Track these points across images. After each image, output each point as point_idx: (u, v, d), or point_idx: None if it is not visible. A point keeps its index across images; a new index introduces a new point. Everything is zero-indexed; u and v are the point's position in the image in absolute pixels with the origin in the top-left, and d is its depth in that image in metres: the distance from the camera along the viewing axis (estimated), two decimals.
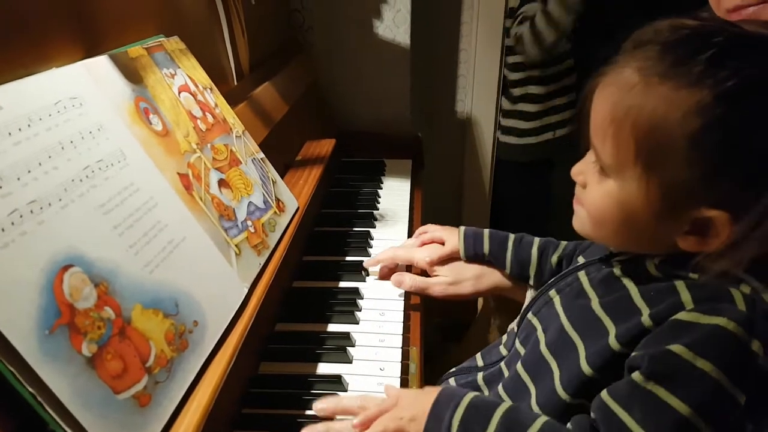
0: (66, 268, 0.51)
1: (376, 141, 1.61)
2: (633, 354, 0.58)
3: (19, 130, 0.53)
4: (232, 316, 0.68)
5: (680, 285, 0.58)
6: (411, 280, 0.96)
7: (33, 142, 0.54)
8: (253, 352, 0.82)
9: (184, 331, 0.60)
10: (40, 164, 0.54)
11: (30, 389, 0.45)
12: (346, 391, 0.79)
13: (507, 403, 0.63)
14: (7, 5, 0.59)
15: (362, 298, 0.98)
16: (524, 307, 0.81)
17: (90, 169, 0.59)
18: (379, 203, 1.34)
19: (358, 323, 0.92)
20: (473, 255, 0.94)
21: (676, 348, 0.54)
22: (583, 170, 0.64)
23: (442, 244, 0.98)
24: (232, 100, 1.00)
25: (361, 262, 1.07)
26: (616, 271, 0.66)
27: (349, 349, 0.86)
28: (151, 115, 0.72)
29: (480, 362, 0.85)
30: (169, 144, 0.72)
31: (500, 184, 2.00)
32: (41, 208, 0.52)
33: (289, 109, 1.25)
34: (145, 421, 0.52)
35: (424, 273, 0.99)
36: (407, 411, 0.66)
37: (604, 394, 0.57)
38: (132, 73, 0.73)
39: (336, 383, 0.79)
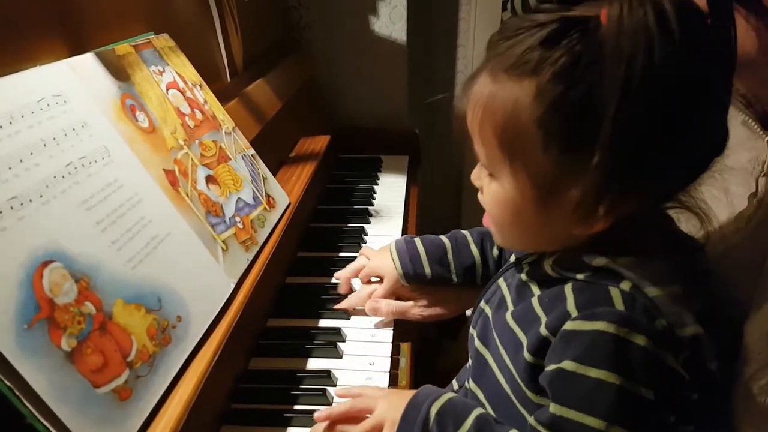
0: (46, 263, 0.52)
1: (372, 137, 1.61)
2: (543, 372, 0.58)
3: (1, 127, 0.54)
4: (217, 312, 0.69)
5: (568, 289, 0.58)
6: (387, 307, 0.90)
7: (14, 140, 0.55)
8: (243, 348, 0.82)
9: (167, 326, 0.61)
10: (21, 161, 0.54)
11: (7, 383, 0.45)
12: (335, 385, 0.79)
13: (480, 410, 0.63)
14: None
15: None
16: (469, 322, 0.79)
17: (73, 166, 0.59)
18: (374, 199, 1.34)
19: (349, 318, 0.93)
20: (414, 277, 0.89)
21: (566, 365, 0.54)
22: (478, 175, 0.64)
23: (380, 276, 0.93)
24: (225, 97, 1.00)
25: (355, 258, 1.07)
26: (524, 275, 0.66)
27: (340, 344, 0.86)
28: (137, 112, 0.72)
29: (455, 386, 0.83)
30: (155, 140, 0.72)
31: None
32: (21, 204, 0.52)
33: (283, 106, 1.25)
34: (125, 415, 0.52)
35: None
36: (384, 403, 0.67)
37: (532, 420, 0.57)
38: (118, 71, 0.73)
39: (325, 378, 0.80)
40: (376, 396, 0.69)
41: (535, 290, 0.64)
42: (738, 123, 0.76)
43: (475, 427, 0.60)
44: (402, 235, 1.19)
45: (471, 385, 0.72)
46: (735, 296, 0.63)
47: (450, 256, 0.89)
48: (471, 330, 0.75)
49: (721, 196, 0.77)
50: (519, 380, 0.61)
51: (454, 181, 1.99)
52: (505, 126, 0.55)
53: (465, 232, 0.91)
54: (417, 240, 0.91)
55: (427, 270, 0.88)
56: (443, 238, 0.91)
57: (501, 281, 0.71)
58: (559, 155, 0.54)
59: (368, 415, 0.68)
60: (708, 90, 0.51)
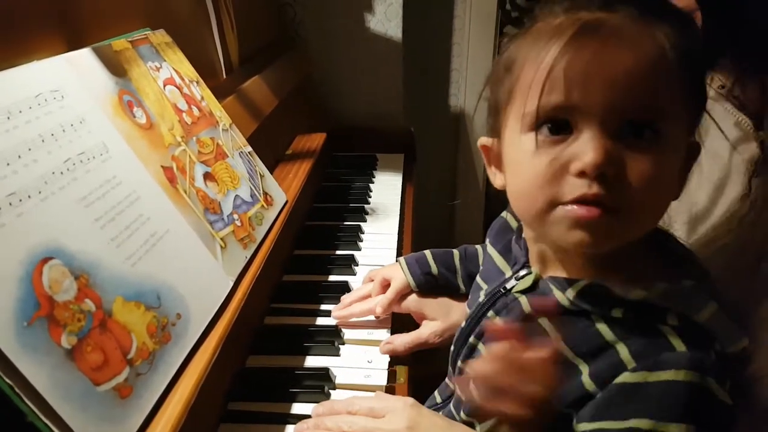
0: (46, 260, 0.51)
1: (368, 135, 1.61)
2: (589, 426, 0.53)
3: None
4: (216, 309, 0.68)
5: (606, 331, 0.53)
6: (402, 344, 0.85)
7: (12, 135, 0.54)
8: (241, 346, 0.82)
9: (167, 323, 0.60)
10: (19, 157, 0.53)
11: (8, 380, 0.45)
12: (333, 384, 0.79)
13: None
14: None
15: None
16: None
17: (71, 162, 0.59)
18: (370, 197, 1.34)
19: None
20: (423, 281, 0.86)
21: (640, 424, 0.49)
22: (614, 153, 0.50)
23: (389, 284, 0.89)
24: (221, 93, 0.99)
25: (352, 255, 1.07)
26: (526, 307, 0.60)
27: (338, 342, 0.86)
28: (134, 108, 0.71)
29: (438, 399, 0.81)
30: (152, 137, 0.72)
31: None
32: (20, 200, 0.51)
33: (279, 103, 1.25)
34: (125, 413, 0.52)
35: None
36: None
37: None
38: (116, 67, 0.72)
39: (323, 377, 0.79)
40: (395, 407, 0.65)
41: (549, 328, 0.57)
42: (731, 124, 0.76)
43: None
44: (398, 232, 1.19)
45: (463, 416, 0.68)
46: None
47: (457, 262, 0.87)
48: (458, 362, 0.69)
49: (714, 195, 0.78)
50: None
51: (450, 179, 1.99)
52: (684, 70, 0.52)
53: (477, 246, 0.88)
54: (425, 251, 0.89)
55: (434, 270, 0.86)
56: (453, 249, 0.89)
57: (492, 316, 0.65)
58: (695, 103, 0.55)
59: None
60: None
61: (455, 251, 0.89)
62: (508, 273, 0.66)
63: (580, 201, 0.51)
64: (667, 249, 0.59)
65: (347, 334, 0.88)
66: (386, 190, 1.38)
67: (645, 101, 0.50)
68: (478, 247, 0.88)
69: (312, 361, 0.83)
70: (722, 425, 0.51)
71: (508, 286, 0.64)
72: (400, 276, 0.88)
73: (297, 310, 0.93)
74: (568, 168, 0.51)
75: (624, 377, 0.51)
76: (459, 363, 0.69)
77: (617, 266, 0.55)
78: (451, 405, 0.73)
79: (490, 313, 0.65)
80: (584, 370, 0.54)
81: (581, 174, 0.50)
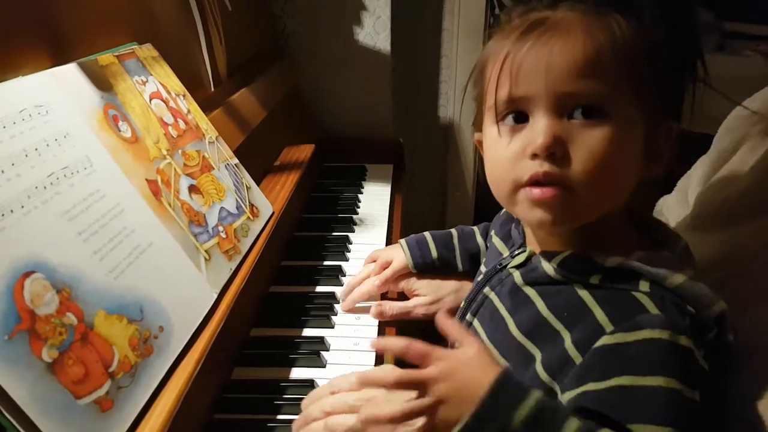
0: (28, 274, 0.51)
1: (357, 146, 1.62)
2: (572, 393, 0.53)
3: None
4: (199, 322, 0.69)
5: (587, 298, 0.57)
6: (390, 309, 0.92)
7: None
8: (226, 358, 0.82)
9: (149, 336, 0.61)
10: (2, 172, 0.54)
11: None
12: None
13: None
14: None
15: (339, 303, 0.98)
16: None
17: (55, 176, 0.59)
18: (359, 208, 1.34)
19: (333, 327, 0.93)
20: (422, 263, 0.91)
21: (621, 381, 0.51)
22: (560, 134, 0.55)
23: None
24: (209, 106, 1.00)
25: (339, 266, 1.07)
26: (517, 280, 0.64)
27: (323, 353, 0.86)
28: (120, 122, 0.72)
29: None
30: (138, 150, 0.72)
31: (484, 188, 2.01)
32: (2, 215, 0.52)
33: (267, 115, 1.26)
34: (106, 426, 0.52)
35: (402, 297, 0.96)
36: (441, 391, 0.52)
37: None
38: (101, 81, 0.73)
39: (309, 388, 0.80)
40: (436, 371, 0.52)
41: (535, 297, 0.61)
42: None
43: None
44: (386, 243, 1.20)
45: None
46: None
47: (455, 241, 0.91)
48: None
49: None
50: None
51: (438, 189, 2.00)
52: (626, 55, 0.55)
53: (472, 227, 0.92)
54: (425, 233, 0.93)
55: (434, 252, 0.90)
56: (450, 229, 0.93)
57: (488, 291, 0.69)
58: (661, 84, 0.56)
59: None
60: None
61: (453, 231, 0.93)
62: (506, 254, 0.71)
63: (535, 182, 0.56)
64: (655, 231, 0.63)
65: (333, 344, 0.89)
66: (375, 200, 1.39)
67: (585, 86, 0.55)
68: (473, 227, 0.92)
69: (298, 373, 0.83)
70: (699, 386, 0.53)
71: (504, 263, 0.69)
72: (400, 257, 0.92)
73: (284, 321, 0.94)
74: (526, 152, 0.57)
75: (603, 340, 0.54)
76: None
77: (601, 240, 0.59)
78: None
79: (487, 288, 0.70)
80: (566, 337, 0.57)
81: (534, 156, 0.56)
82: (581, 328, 0.56)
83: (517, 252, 0.69)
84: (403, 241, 0.93)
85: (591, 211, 0.58)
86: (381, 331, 0.92)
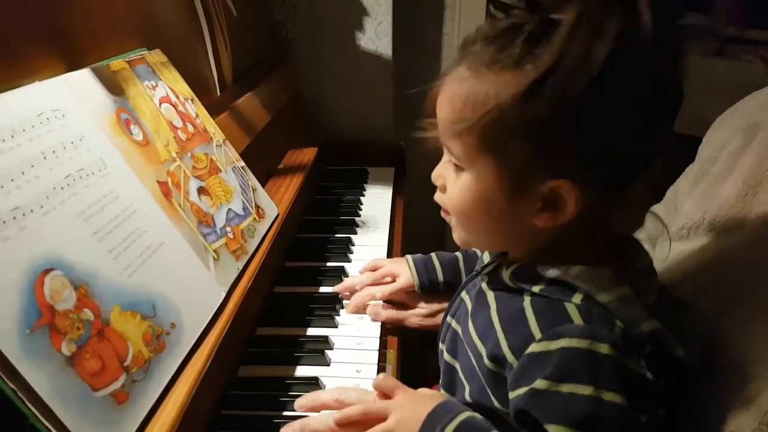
0: (47, 271, 0.54)
1: (359, 149, 1.64)
2: (511, 395, 0.59)
3: (3, 140, 0.56)
4: (209, 319, 0.71)
5: (527, 306, 0.61)
6: (387, 313, 0.96)
7: (16, 152, 0.57)
8: (232, 356, 0.84)
9: (161, 332, 0.63)
10: (23, 173, 0.56)
11: (11, 385, 0.47)
12: None
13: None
14: None
15: (342, 303, 1.00)
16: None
17: (71, 178, 0.61)
18: (361, 210, 1.36)
19: (336, 327, 0.95)
20: (428, 286, 0.94)
21: (538, 384, 0.56)
22: (441, 173, 0.66)
23: (394, 279, 0.97)
24: (215, 110, 1.03)
25: (342, 267, 1.10)
26: (483, 285, 0.69)
27: (327, 351, 0.88)
28: (132, 126, 0.74)
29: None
30: (149, 153, 0.75)
31: None
32: (23, 214, 0.54)
33: (271, 119, 1.28)
34: (122, 418, 0.54)
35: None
36: (398, 413, 0.66)
37: None
38: (113, 86, 0.75)
39: (313, 385, 0.82)
40: (390, 404, 0.68)
41: (491, 300, 0.65)
42: None
43: None
44: (388, 245, 1.22)
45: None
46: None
47: (461, 265, 0.93)
48: (440, 345, 0.77)
49: None
50: (487, 389, 0.64)
51: None
52: (488, 116, 0.57)
53: (475, 249, 0.94)
54: (432, 254, 0.96)
55: (440, 278, 0.93)
56: (456, 253, 0.96)
57: (464, 294, 0.73)
58: (540, 150, 0.56)
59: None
60: (656, 106, 0.56)
61: (458, 254, 0.95)
62: (486, 260, 0.75)
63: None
64: (628, 250, 0.65)
65: (337, 343, 0.91)
66: (377, 202, 1.41)
67: (450, 144, 0.62)
68: (476, 250, 0.93)
69: (302, 371, 0.86)
70: (638, 392, 0.56)
71: (480, 269, 0.73)
72: (407, 276, 0.95)
73: (288, 320, 0.96)
74: None
75: (532, 347, 0.58)
76: (440, 345, 0.77)
77: (557, 255, 0.62)
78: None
79: (463, 292, 0.74)
80: (503, 341, 0.61)
81: None
82: (517, 333, 0.60)
83: (492, 260, 0.73)
84: (410, 259, 0.96)
85: (473, 237, 0.67)
86: (383, 332, 0.94)
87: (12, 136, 0.57)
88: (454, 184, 0.63)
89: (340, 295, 1.00)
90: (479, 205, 0.62)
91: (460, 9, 1.79)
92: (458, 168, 0.62)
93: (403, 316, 0.95)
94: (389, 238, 1.25)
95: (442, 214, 0.69)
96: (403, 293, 0.95)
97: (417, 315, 0.95)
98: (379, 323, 0.95)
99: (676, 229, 0.82)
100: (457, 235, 0.68)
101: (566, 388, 0.55)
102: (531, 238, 0.63)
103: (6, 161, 0.55)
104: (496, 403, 0.64)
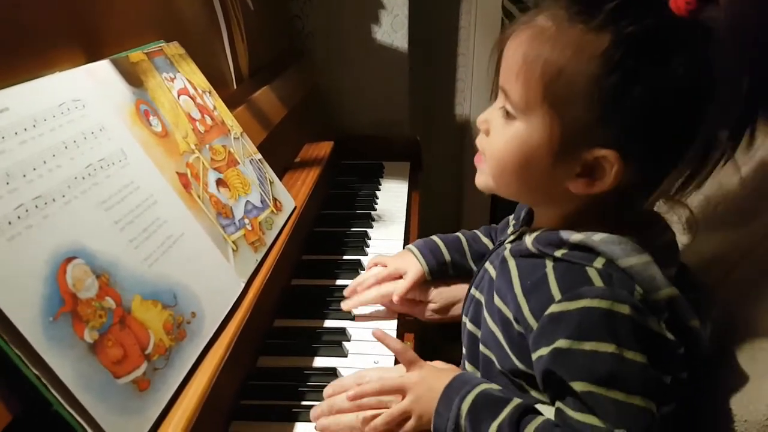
0: (69, 259, 0.54)
1: (375, 144, 1.64)
2: (533, 356, 0.61)
3: (25, 130, 0.56)
4: (229, 309, 0.71)
5: (549, 270, 0.61)
6: (398, 309, 0.94)
7: (38, 142, 0.57)
8: (251, 346, 0.85)
9: (182, 321, 0.63)
10: (44, 162, 0.57)
11: (35, 371, 0.48)
12: None
13: (518, 400, 0.63)
14: (13, 15, 0.62)
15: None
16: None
17: (92, 168, 0.62)
18: (376, 204, 1.36)
19: (353, 319, 0.95)
20: (437, 269, 0.91)
21: (560, 344, 0.57)
22: (488, 118, 0.65)
23: (400, 276, 0.94)
24: (232, 103, 1.03)
25: (359, 261, 1.10)
26: (506, 253, 0.69)
27: (345, 343, 0.88)
28: (151, 117, 0.75)
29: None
30: (168, 144, 0.75)
31: None
32: (46, 203, 0.55)
33: (287, 113, 1.28)
34: (144, 405, 0.55)
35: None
36: (416, 391, 0.68)
37: (559, 405, 0.60)
38: (133, 77, 0.76)
39: (331, 376, 0.82)
40: (406, 381, 0.70)
41: (513, 268, 0.66)
42: None
43: (509, 420, 0.60)
44: (404, 239, 1.22)
45: (468, 368, 0.74)
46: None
47: (465, 245, 0.93)
48: (463, 318, 0.78)
49: None
50: (511, 355, 0.65)
51: (455, 187, 2.02)
52: (558, 73, 0.57)
53: (473, 230, 0.95)
54: (433, 237, 0.95)
55: (447, 257, 0.91)
56: (456, 234, 0.95)
57: (488, 265, 0.74)
58: (599, 117, 0.56)
59: (390, 399, 0.70)
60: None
61: (460, 235, 0.94)
62: (510, 231, 0.76)
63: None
64: (649, 226, 0.65)
65: (354, 335, 0.91)
66: (392, 197, 1.41)
67: (510, 89, 0.61)
68: (475, 230, 0.95)
69: (320, 362, 0.86)
70: (659, 352, 0.57)
71: (503, 239, 0.73)
72: (415, 266, 0.92)
73: (306, 312, 0.96)
74: None
75: (551, 308, 0.59)
76: (463, 317, 0.78)
77: (582, 223, 0.62)
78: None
79: (487, 263, 0.74)
80: (525, 306, 0.62)
81: None
82: (537, 297, 0.61)
83: (516, 229, 0.73)
84: (413, 248, 0.94)
85: (500, 185, 0.66)
86: (400, 324, 0.94)
87: (34, 126, 0.57)
88: (500, 131, 0.63)
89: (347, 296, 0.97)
90: (520, 157, 0.61)
91: (476, 1, 1.79)
92: (509, 116, 0.62)
93: (416, 311, 0.94)
94: (405, 232, 1.25)
95: (476, 158, 0.69)
96: (416, 287, 0.92)
97: (429, 308, 0.93)
98: (396, 316, 0.95)
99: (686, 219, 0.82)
100: (483, 180, 0.68)
101: (588, 345, 0.56)
102: (560, 200, 0.63)
103: (28, 151, 0.56)
104: (519, 365, 0.64)
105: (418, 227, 1.30)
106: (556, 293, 0.60)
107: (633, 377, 0.56)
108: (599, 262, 0.59)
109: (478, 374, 0.72)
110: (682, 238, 0.70)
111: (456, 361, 0.92)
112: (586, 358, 0.56)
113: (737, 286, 0.68)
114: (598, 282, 0.58)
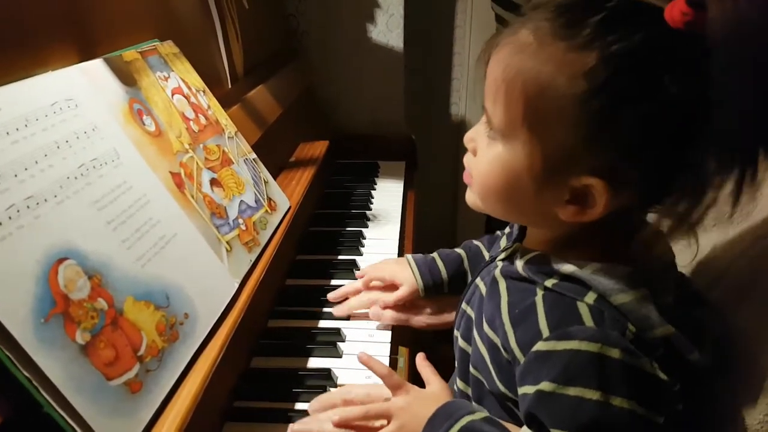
0: (61, 260, 0.54)
1: (370, 143, 1.64)
2: (519, 392, 0.58)
3: (17, 129, 0.56)
4: (222, 310, 0.71)
5: (538, 301, 0.59)
6: (390, 315, 0.91)
7: (30, 142, 0.57)
8: (245, 347, 0.84)
9: (175, 322, 0.63)
10: (36, 162, 0.56)
11: (26, 373, 0.47)
12: (335, 384, 0.81)
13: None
14: (5, 12, 0.62)
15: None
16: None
17: (85, 167, 0.61)
18: (372, 204, 1.36)
19: (348, 319, 0.95)
20: (433, 288, 0.89)
21: (544, 386, 0.54)
22: (474, 137, 0.62)
23: (394, 286, 0.92)
24: (227, 102, 1.02)
25: (354, 261, 1.09)
26: (497, 272, 0.67)
27: (339, 344, 0.88)
28: (144, 116, 0.74)
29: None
30: (162, 144, 0.74)
31: None
32: (38, 203, 0.54)
33: (282, 112, 1.28)
34: (136, 407, 0.54)
35: None
36: (403, 416, 0.67)
37: None
38: (126, 76, 0.75)
39: (326, 377, 0.82)
40: (392, 407, 0.69)
41: (503, 291, 0.64)
42: None
43: None
44: (399, 238, 1.22)
45: (459, 384, 0.73)
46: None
47: (466, 264, 0.90)
48: (455, 332, 0.76)
49: None
50: (498, 383, 0.63)
51: (450, 186, 2.02)
52: (539, 93, 0.53)
53: (477, 241, 0.92)
54: (434, 255, 0.92)
55: (444, 277, 0.89)
56: (457, 249, 0.92)
57: (479, 280, 0.72)
58: (584, 141, 0.52)
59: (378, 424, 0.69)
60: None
61: (461, 252, 0.91)
62: (503, 246, 0.74)
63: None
64: (646, 248, 0.62)
65: (349, 336, 0.91)
66: (388, 196, 1.41)
67: (492, 110, 0.58)
68: (479, 242, 0.91)
69: (314, 363, 0.85)
70: (651, 394, 0.54)
71: (496, 256, 0.71)
72: (410, 282, 0.90)
73: (300, 313, 0.96)
74: None
75: (539, 345, 0.56)
76: (455, 331, 0.76)
77: (574, 247, 0.60)
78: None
79: (478, 278, 0.72)
80: (511, 336, 0.60)
81: None
82: (524, 328, 0.58)
83: (508, 246, 0.70)
84: (411, 262, 0.91)
85: (487, 206, 0.63)
86: (394, 334, 0.93)
87: (26, 126, 0.57)
88: (484, 152, 0.60)
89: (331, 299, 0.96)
90: (504, 181, 0.59)
91: (472, 1, 1.78)
92: (492, 136, 0.59)
93: (408, 317, 0.92)
94: (400, 231, 1.25)
95: (464, 176, 0.65)
96: (407, 301, 0.91)
97: (423, 316, 0.91)
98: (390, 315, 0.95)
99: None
100: (472, 199, 0.65)
101: (573, 391, 0.53)
102: (550, 224, 0.60)
103: (20, 150, 0.55)
104: (507, 393, 0.62)
105: (413, 227, 1.30)
106: (545, 329, 0.57)
107: (619, 425, 0.52)
108: (590, 297, 0.56)
109: (469, 391, 0.70)
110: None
111: (451, 359, 0.92)
112: (571, 404, 0.53)
113: (732, 289, 0.68)
114: (588, 321, 0.55)
